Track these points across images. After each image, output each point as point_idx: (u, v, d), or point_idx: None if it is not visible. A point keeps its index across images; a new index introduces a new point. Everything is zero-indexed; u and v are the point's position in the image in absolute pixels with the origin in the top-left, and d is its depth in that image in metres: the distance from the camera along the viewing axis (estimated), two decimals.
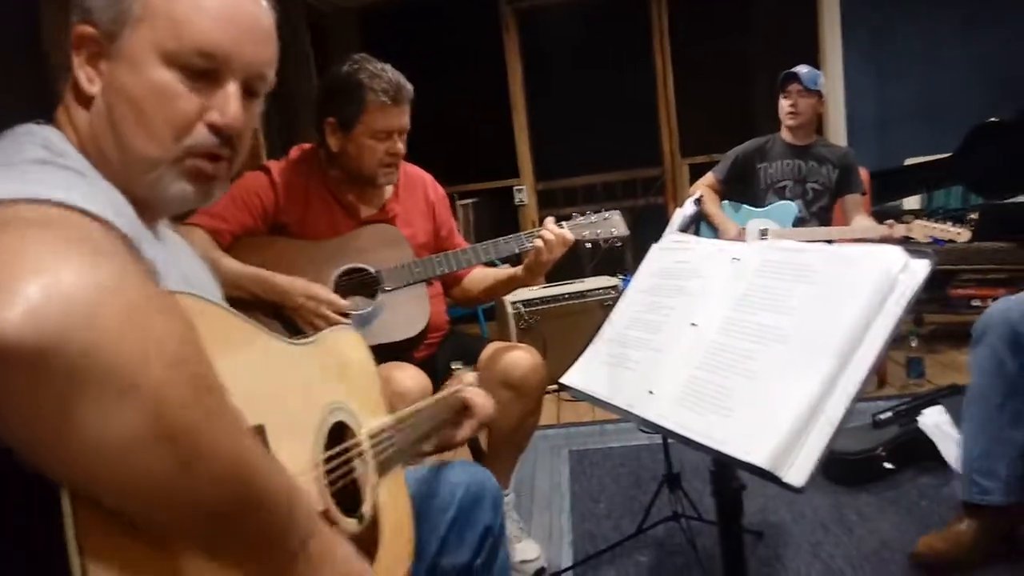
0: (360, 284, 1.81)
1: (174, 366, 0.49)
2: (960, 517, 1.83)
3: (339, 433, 0.86)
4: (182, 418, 0.49)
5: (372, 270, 1.81)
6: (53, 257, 0.47)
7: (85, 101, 0.80)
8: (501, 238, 1.85)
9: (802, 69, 3.15)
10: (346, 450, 0.86)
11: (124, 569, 0.49)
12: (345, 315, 1.74)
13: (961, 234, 2.77)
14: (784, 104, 3.19)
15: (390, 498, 0.94)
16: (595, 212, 1.90)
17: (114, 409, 0.45)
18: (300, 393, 0.79)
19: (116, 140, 0.79)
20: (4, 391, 0.44)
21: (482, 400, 1.29)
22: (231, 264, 1.69)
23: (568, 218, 1.89)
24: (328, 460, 0.79)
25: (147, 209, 0.86)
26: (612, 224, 1.89)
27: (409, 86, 1.81)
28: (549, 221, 1.85)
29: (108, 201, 0.68)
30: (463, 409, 1.27)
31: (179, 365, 0.49)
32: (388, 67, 1.80)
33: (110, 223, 0.58)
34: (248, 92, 0.84)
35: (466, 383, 1.31)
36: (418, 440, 1.09)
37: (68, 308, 0.44)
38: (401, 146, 1.84)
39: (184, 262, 0.92)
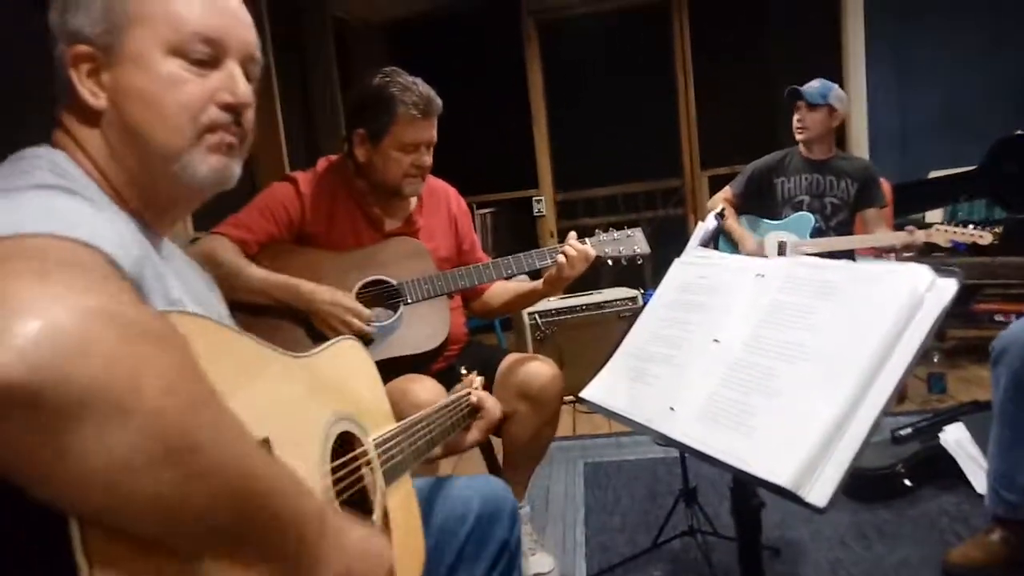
0: (382, 296, 1.82)
1: (169, 387, 0.49)
2: (991, 528, 1.85)
3: (345, 443, 0.87)
4: (180, 438, 0.49)
5: (394, 283, 1.82)
6: (41, 292, 0.47)
7: (91, 118, 0.82)
8: (523, 253, 1.86)
9: (811, 84, 3.13)
10: (353, 459, 0.86)
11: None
12: (367, 325, 1.75)
13: (984, 236, 2.72)
14: (793, 120, 3.18)
15: (399, 505, 0.94)
16: (618, 229, 1.91)
17: (112, 437, 0.46)
18: (304, 405, 0.80)
19: (135, 143, 0.81)
20: (1, 431, 0.44)
21: (490, 403, 1.30)
22: (257, 272, 1.71)
23: (590, 233, 1.90)
24: (335, 470, 0.80)
25: (168, 212, 0.89)
26: (635, 242, 1.90)
27: (438, 100, 1.82)
28: (571, 236, 1.86)
29: (109, 224, 0.68)
30: (472, 412, 1.28)
31: (174, 385, 0.49)
32: (419, 81, 1.82)
33: (98, 248, 0.58)
34: (245, 74, 0.88)
35: (473, 386, 1.32)
36: (426, 446, 1.09)
37: (59, 344, 0.44)
38: (427, 158, 1.85)
39: (189, 279, 0.93)
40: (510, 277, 1.92)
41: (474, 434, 1.29)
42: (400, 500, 0.96)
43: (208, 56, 0.83)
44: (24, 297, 0.46)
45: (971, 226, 2.78)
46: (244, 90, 0.86)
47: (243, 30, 0.87)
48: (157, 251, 0.85)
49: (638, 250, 1.90)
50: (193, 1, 0.83)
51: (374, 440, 0.93)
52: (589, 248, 1.84)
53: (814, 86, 3.13)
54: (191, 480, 0.50)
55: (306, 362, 0.84)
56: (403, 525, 0.94)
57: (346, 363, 0.96)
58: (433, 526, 1.10)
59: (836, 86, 3.15)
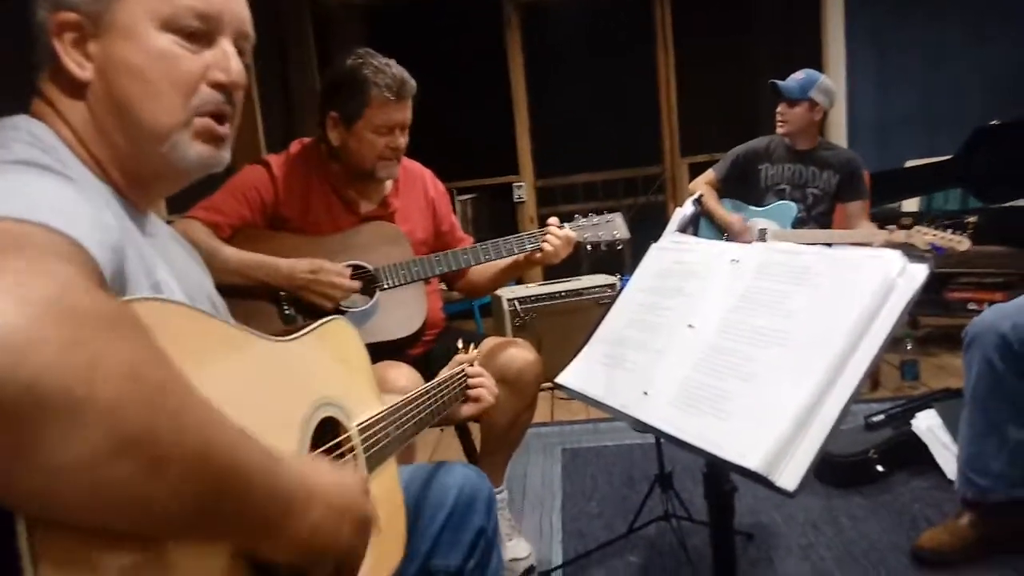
0: (359, 281, 1.80)
1: (127, 375, 0.47)
2: (960, 512, 1.88)
3: (328, 429, 0.86)
4: (140, 427, 0.47)
5: (371, 268, 1.81)
6: None
7: (76, 90, 0.79)
8: (501, 239, 1.85)
9: (794, 76, 3.13)
10: (335, 447, 0.85)
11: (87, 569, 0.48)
12: (344, 308, 1.74)
13: (961, 243, 2.76)
14: (776, 113, 3.20)
15: (382, 492, 0.93)
16: (597, 214, 1.90)
17: (69, 433, 0.44)
18: (284, 391, 0.78)
19: (123, 118, 0.79)
20: None
21: (487, 381, 1.31)
22: (231, 252, 1.70)
23: (570, 218, 1.89)
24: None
25: (153, 189, 0.86)
26: (614, 227, 1.90)
27: (412, 81, 1.81)
28: (553, 222, 1.86)
29: (88, 202, 0.66)
30: (466, 388, 1.28)
31: (131, 372, 0.47)
32: (392, 62, 1.80)
33: (56, 230, 0.55)
34: (237, 51, 0.86)
35: (465, 361, 1.31)
36: (414, 428, 1.09)
37: (5, 340, 0.42)
38: (402, 140, 1.83)
39: (175, 256, 0.91)
40: (488, 263, 1.91)
41: (469, 408, 1.31)
42: (383, 484, 0.95)
43: (200, 31, 0.81)
44: None
45: (950, 230, 2.81)
46: (237, 69, 0.84)
47: (237, 5, 0.85)
48: (140, 228, 0.82)
49: (617, 235, 1.90)
50: None
51: (358, 425, 0.91)
52: (571, 233, 1.84)
53: (796, 79, 3.13)
54: (156, 467, 0.48)
55: (288, 345, 0.82)
56: (386, 510, 0.93)
57: (333, 344, 0.95)
58: (409, 514, 1.09)
59: (822, 77, 3.15)
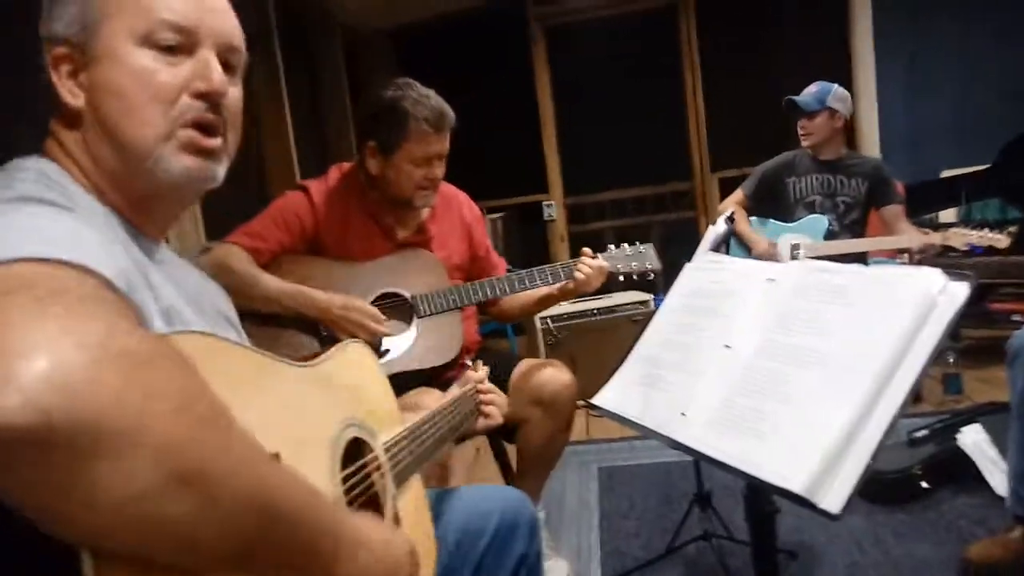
0: (395, 309, 1.82)
1: (176, 411, 0.49)
2: (1011, 527, 1.84)
3: (355, 449, 0.87)
4: (192, 461, 0.49)
5: (407, 296, 1.82)
6: (39, 329, 0.46)
7: (74, 120, 0.81)
8: (536, 268, 1.87)
9: (808, 90, 3.14)
10: (364, 466, 0.86)
11: None
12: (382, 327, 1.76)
13: (1000, 240, 2.70)
14: (798, 128, 3.20)
15: (410, 507, 0.94)
16: (630, 245, 1.92)
17: (123, 469, 0.46)
18: (312, 415, 0.80)
19: (110, 139, 0.80)
20: (12, 474, 0.44)
21: (498, 399, 1.31)
22: (272, 281, 1.72)
23: (601, 237, 1.91)
24: (346, 479, 0.80)
25: (154, 211, 0.86)
26: (646, 257, 1.93)
27: (451, 113, 1.82)
28: (587, 252, 1.88)
29: (97, 234, 0.67)
30: (479, 404, 1.29)
31: (181, 409, 0.49)
32: (432, 93, 1.81)
33: (87, 269, 0.57)
34: (225, 66, 0.85)
35: (476, 379, 1.32)
36: (434, 445, 1.10)
37: (64, 383, 0.44)
38: (439, 171, 1.85)
39: (187, 281, 0.91)
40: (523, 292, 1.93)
41: (481, 423, 1.31)
42: (410, 502, 0.96)
43: (178, 44, 0.81)
44: (23, 336, 0.45)
45: (987, 228, 2.76)
46: (219, 78, 0.83)
47: (217, 16, 0.85)
48: (148, 255, 0.83)
49: (649, 265, 1.92)
50: None
51: (383, 444, 0.93)
52: (603, 262, 1.86)
53: (811, 91, 3.14)
54: (208, 502, 0.49)
55: (313, 370, 0.85)
56: (414, 527, 0.94)
57: (353, 367, 0.97)
58: (450, 540, 1.09)
59: (835, 86, 3.14)
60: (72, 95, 0.81)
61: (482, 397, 1.32)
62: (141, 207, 0.84)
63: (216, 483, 0.50)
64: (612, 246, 1.92)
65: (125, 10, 0.80)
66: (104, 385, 0.46)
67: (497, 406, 1.33)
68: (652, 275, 1.93)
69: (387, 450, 0.93)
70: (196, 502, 0.49)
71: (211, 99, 0.83)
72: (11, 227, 0.60)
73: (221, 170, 0.87)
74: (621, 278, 1.92)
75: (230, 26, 0.87)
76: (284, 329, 1.74)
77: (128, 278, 0.67)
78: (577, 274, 1.83)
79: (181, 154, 0.82)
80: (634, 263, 1.91)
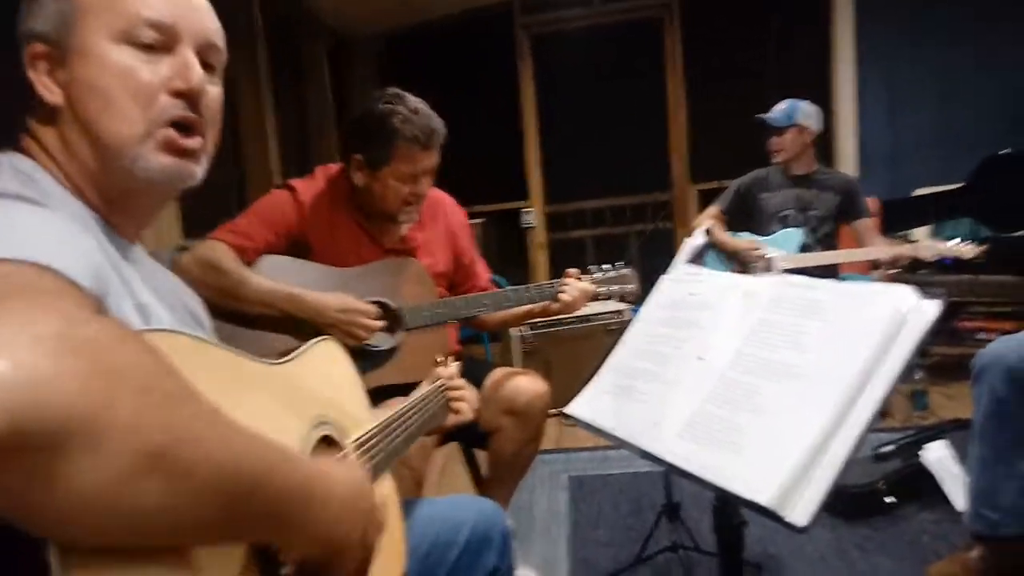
0: (381, 318, 1.79)
1: (142, 394, 0.48)
2: (970, 544, 1.85)
3: (326, 447, 0.87)
4: (162, 441, 0.48)
5: (395, 307, 1.80)
6: None
7: (50, 117, 0.81)
8: (523, 287, 1.89)
9: (777, 107, 3.22)
10: None
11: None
12: (367, 347, 1.74)
13: (967, 251, 2.75)
14: (768, 145, 3.27)
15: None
16: (612, 267, 1.96)
17: (95, 459, 0.45)
18: (281, 413, 0.80)
19: (88, 136, 0.80)
20: None
21: (468, 395, 1.31)
22: (261, 282, 1.67)
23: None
24: None
25: (131, 209, 0.86)
26: (627, 280, 1.96)
27: (441, 128, 1.79)
28: (572, 273, 1.90)
29: (68, 230, 0.67)
30: (448, 400, 1.29)
31: (146, 391, 0.49)
32: (422, 107, 1.77)
33: (48, 267, 0.56)
34: (205, 65, 0.85)
35: (445, 375, 1.31)
36: (404, 443, 1.09)
37: (25, 381, 0.43)
38: (426, 187, 1.82)
39: (161, 282, 0.90)
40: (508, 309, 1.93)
41: (454, 418, 1.31)
42: (382, 500, 0.95)
43: (157, 42, 0.81)
44: None
45: (956, 239, 2.81)
46: (198, 77, 0.82)
47: (196, 14, 0.85)
48: (123, 253, 0.82)
49: (629, 287, 1.96)
50: None
51: (353, 442, 0.93)
52: (591, 287, 1.90)
53: (780, 108, 3.22)
54: (181, 477, 0.49)
55: (283, 368, 0.84)
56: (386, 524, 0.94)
57: (323, 364, 0.97)
58: (421, 551, 1.08)
59: (803, 103, 3.22)
60: (49, 92, 0.80)
61: (452, 394, 1.31)
62: (117, 206, 0.84)
63: (187, 458, 0.50)
64: (594, 268, 1.96)
65: (104, 7, 0.79)
66: (66, 378, 0.45)
67: (467, 402, 1.32)
68: (631, 297, 1.97)
69: (357, 447, 0.93)
70: (170, 479, 0.48)
71: (190, 98, 0.82)
72: None
73: (200, 169, 0.86)
74: (602, 299, 1.97)
75: (210, 24, 0.87)
76: (269, 331, 1.71)
77: (100, 274, 0.66)
78: (563, 296, 1.85)
79: (159, 153, 0.81)
80: (615, 286, 1.95)
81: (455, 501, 1.20)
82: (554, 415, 1.85)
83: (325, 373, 0.96)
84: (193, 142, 0.84)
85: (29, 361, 0.44)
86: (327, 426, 0.88)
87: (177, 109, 0.82)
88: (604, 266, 1.96)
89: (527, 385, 1.87)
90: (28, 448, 0.43)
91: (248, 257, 1.72)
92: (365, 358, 1.73)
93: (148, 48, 0.80)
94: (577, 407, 1.20)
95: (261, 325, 1.69)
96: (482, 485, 2.03)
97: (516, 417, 1.85)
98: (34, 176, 0.76)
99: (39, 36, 0.80)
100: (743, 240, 3.21)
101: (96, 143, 0.80)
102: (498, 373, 1.93)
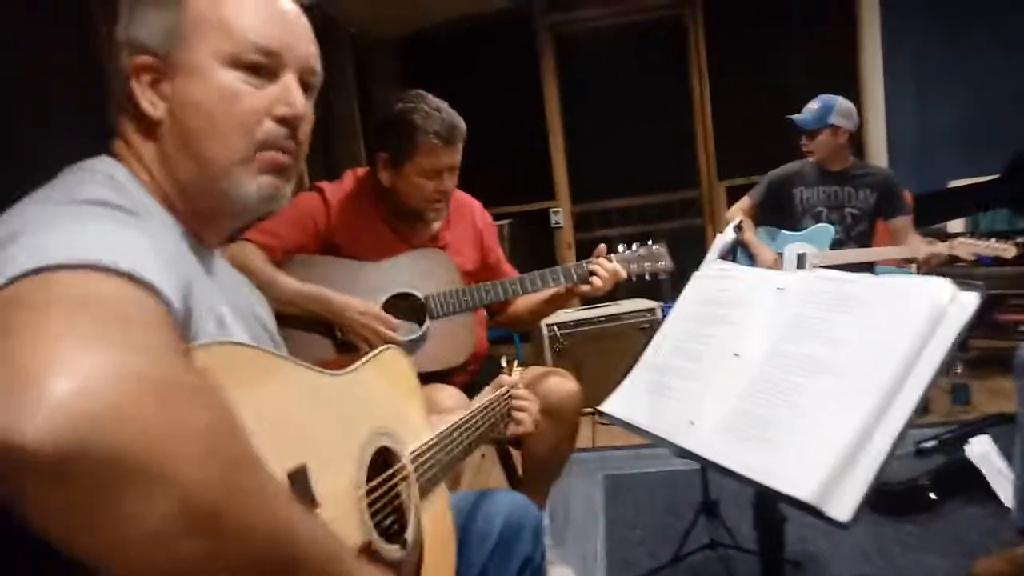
0: (408, 309, 1.82)
1: (204, 453, 0.48)
2: (1018, 541, 1.82)
3: (383, 458, 0.87)
4: (213, 505, 0.48)
5: (421, 296, 1.83)
6: (74, 346, 0.45)
7: (150, 129, 0.82)
8: (549, 269, 1.87)
9: (809, 107, 3.13)
10: (391, 476, 0.87)
11: None
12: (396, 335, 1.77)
13: (1007, 249, 2.69)
14: (801, 146, 3.19)
15: (434, 519, 0.95)
16: (642, 245, 1.92)
17: (143, 503, 0.45)
18: (341, 424, 0.80)
19: (189, 154, 0.81)
20: (31, 494, 0.43)
21: (531, 405, 1.31)
22: (288, 282, 1.73)
23: (610, 243, 1.91)
24: (372, 490, 0.81)
25: (217, 226, 0.88)
26: (659, 257, 1.92)
27: (463, 126, 1.83)
28: (600, 251, 1.87)
29: (161, 241, 0.68)
30: (510, 410, 1.28)
31: (209, 451, 0.48)
32: (443, 106, 1.82)
33: (142, 280, 0.55)
34: (303, 87, 0.86)
35: (510, 383, 1.31)
36: (462, 453, 1.10)
37: (90, 410, 0.43)
38: (450, 184, 1.86)
39: (234, 290, 0.92)
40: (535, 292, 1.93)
41: (514, 428, 1.31)
42: (435, 514, 0.97)
43: (265, 67, 0.82)
44: (55, 353, 0.44)
45: (994, 239, 2.75)
46: (301, 103, 0.84)
47: (302, 41, 0.86)
48: (204, 264, 0.84)
49: (662, 265, 1.91)
50: (251, 11, 0.81)
51: (411, 453, 0.93)
52: (619, 268, 1.85)
53: (812, 109, 3.13)
54: (225, 545, 0.49)
55: (345, 378, 0.85)
56: (437, 540, 0.95)
57: (385, 373, 0.97)
58: (458, 543, 1.10)
59: (839, 100, 3.11)
60: (152, 106, 0.81)
61: (515, 403, 1.31)
62: (204, 218, 0.85)
63: (235, 529, 0.49)
64: (623, 247, 1.92)
65: (215, 27, 0.80)
66: (131, 417, 0.45)
67: (529, 413, 1.32)
68: (665, 275, 1.92)
69: (414, 459, 0.93)
70: (211, 546, 0.48)
71: (292, 124, 0.84)
72: (75, 230, 0.59)
73: (289, 189, 0.88)
74: (634, 279, 1.91)
75: (312, 49, 0.88)
76: (298, 330, 1.75)
77: (188, 289, 0.66)
78: (594, 279, 1.83)
79: (259, 175, 0.83)
80: (647, 263, 1.91)
81: (487, 494, 1.20)
82: (587, 414, 1.85)
83: (386, 382, 0.96)
84: (287, 160, 0.85)
85: (96, 389, 0.44)
86: (386, 437, 0.88)
87: (279, 136, 0.83)
88: (634, 244, 1.93)
89: (559, 384, 1.88)
90: (73, 478, 0.43)
91: (275, 256, 1.77)
92: None
93: (254, 71, 0.81)
94: (611, 405, 1.20)
95: (291, 325, 1.72)
96: (517, 485, 2.04)
97: (549, 416, 1.85)
98: (126, 184, 0.77)
99: (145, 48, 0.80)
100: (767, 253, 3.16)
101: (197, 161, 0.81)
102: (530, 372, 1.93)
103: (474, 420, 1.16)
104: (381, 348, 0.97)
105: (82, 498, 0.43)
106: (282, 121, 0.83)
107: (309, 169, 3.85)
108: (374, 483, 0.82)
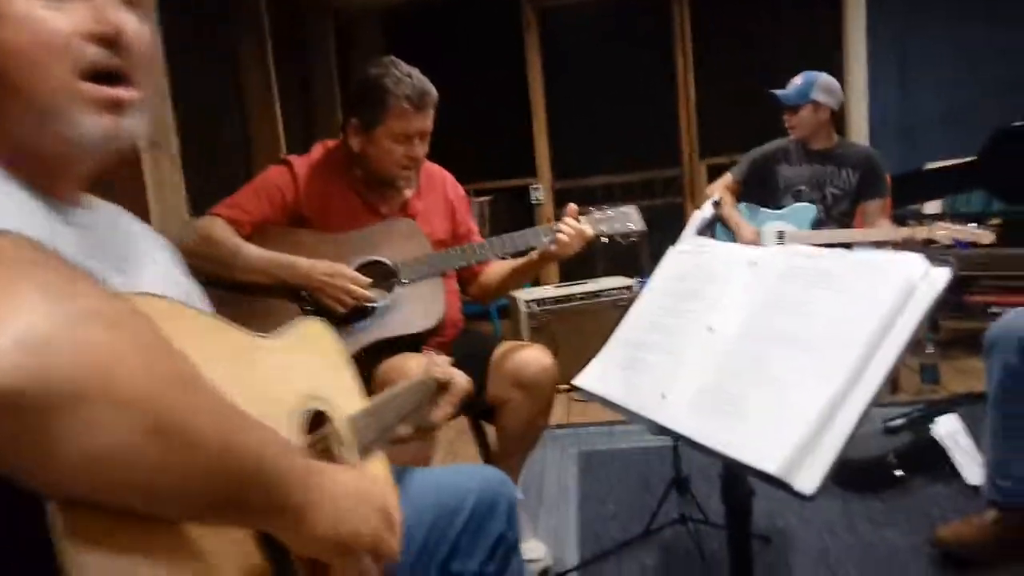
0: (377, 276, 1.83)
1: (144, 367, 0.50)
2: (986, 509, 1.86)
3: (317, 423, 0.87)
4: (158, 418, 0.50)
5: (389, 263, 1.83)
6: (7, 292, 0.46)
7: None
8: (517, 232, 1.88)
9: (793, 82, 3.14)
10: (324, 438, 0.86)
11: (119, 554, 0.51)
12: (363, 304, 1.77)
13: (984, 236, 2.72)
14: (783, 121, 3.20)
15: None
16: (612, 206, 1.91)
17: (94, 425, 0.47)
18: (270, 386, 0.79)
19: (12, 100, 0.74)
20: None
21: (458, 376, 1.28)
22: (253, 250, 1.74)
23: (586, 212, 1.90)
24: (307, 448, 0.80)
25: (66, 176, 0.81)
26: (629, 219, 1.92)
27: (433, 92, 1.83)
28: (572, 210, 1.87)
29: (11, 198, 0.66)
30: (439, 389, 1.26)
31: (147, 367, 0.50)
32: (415, 72, 1.82)
33: (24, 234, 0.54)
34: (127, 3, 0.79)
35: (438, 363, 1.30)
36: (396, 422, 1.09)
37: (32, 345, 0.45)
38: (421, 150, 1.86)
39: (123, 245, 0.87)
40: (505, 257, 1.93)
41: (444, 409, 1.26)
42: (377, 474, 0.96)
43: None
44: None
45: (972, 223, 2.78)
46: (114, 15, 0.76)
47: None
48: (65, 220, 0.78)
49: (632, 227, 1.92)
50: None
51: (345, 417, 0.92)
52: (586, 227, 1.85)
53: (795, 84, 3.13)
54: (175, 456, 0.51)
55: (275, 343, 0.85)
56: None
57: (312, 342, 0.97)
58: (427, 518, 1.09)
59: (821, 76, 3.12)
60: None
61: (440, 376, 1.27)
62: (51, 170, 0.79)
63: (183, 438, 0.51)
64: (593, 208, 1.92)
65: None
66: (69, 345, 0.46)
67: (456, 383, 1.28)
68: (635, 237, 1.92)
69: (351, 422, 0.93)
70: (163, 456, 0.50)
71: (109, 40, 0.75)
72: None
73: (139, 124, 0.80)
74: (605, 240, 1.91)
75: None
76: (264, 300, 1.75)
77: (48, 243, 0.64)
78: (560, 236, 1.82)
79: (91, 113, 0.75)
80: (617, 225, 1.91)
81: (460, 469, 1.20)
82: (563, 391, 1.85)
83: (315, 351, 0.96)
84: (123, 92, 0.77)
85: (42, 325, 0.46)
86: (318, 401, 0.87)
87: (96, 55, 0.75)
88: (604, 206, 1.92)
89: (535, 357, 1.88)
90: (30, 407, 0.44)
91: (244, 230, 1.78)
92: (366, 315, 1.79)
93: None
94: (586, 379, 1.20)
95: (260, 294, 1.74)
96: (491, 459, 2.04)
97: (524, 390, 1.86)
98: None
99: None
100: (747, 228, 3.16)
101: (20, 104, 0.74)
102: (505, 346, 1.94)
103: (407, 393, 1.15)
104: (306, 318, 0.96)
105: (34, 427, 0.45)
106: (100, 41, 0.75)
107: (288, 143, 3.81)
108: (310, 441, 0.81)
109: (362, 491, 0.70)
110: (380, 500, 0.73)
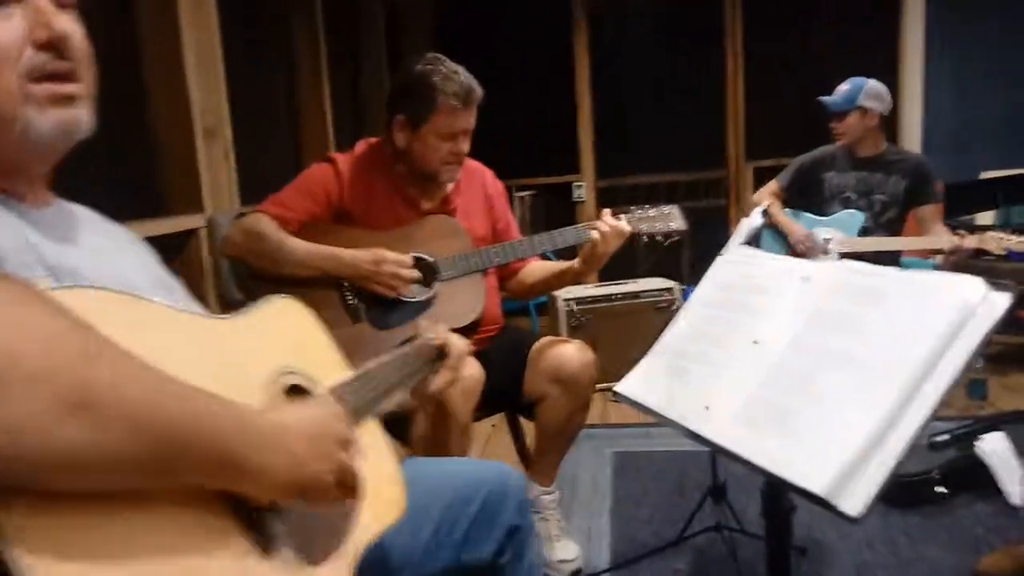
0: (418, 272, 1.84)
1: (47, 347, 0.51)
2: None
3: (297, 396, 0.87)
4: (73, 392, 0.51)
5: (430, 259, 1.85)
6: None
7: None
8: (557, 230, 1.89)
9: (839, 89, 3.08)
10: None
11: (65, 540, 0.52)
12: (404, 298, 1.79)
13: None
14: (831, 129, 3.15)
15: (366, 447, 0.92)
16: (653, 206, 1.91)
17: (6, 402, 0.48)
18: (238, 363, 0.79)
19: None
20: None
21: (454, 339, 1.28)
22: (298, 244, 1.77)
23: (626, 212, 1.90)
24: None
25: (29, 177, 0.83)
26: (670, 218, 1.91)
27: (479, 89, 1.84)
28: (606, 213, 1.87)
29: None
30: (439, 357, 1.26)
31: (53, 344, 0.51)
32: (461, 69, 1.83)
33: None
34: (57, 4, 0.79)
35: (436, 330, 1.29)
36: (388, 390, 1.08)
37: None
38: (465, 146, 1.88)
39: (90, 241, 0.89)
40: (544, 255, 1.93)
41: (444, 375, 1.25)
42: (367, 443, 0.93)
43: None
44: None
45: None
46: (58, 22, 0.77)
47: None
48: (25, 220, 0.79)
49: (673, 226, 1.92)
50: None
51: (329, 386, 0.92)
52: (623, 224, 1.85)
53: (841, 90, 3.08)
54: (98, 429, 0.52)
55: (235, 322, 0.85)
56: (375, 465, 0.93)
57: (284, 318, 0.96)
58: (439, 506, 1.11)
59: (869, 82, 3.06)
60: None
61: (437, 342, 1.26)
62: (17, 174, 0.81)
63: (104, 411, 0.52)
64: (634, 207, 1.91)
65: None
66: None
67: (452, 345, 1.27)
68: (677, 236, 1.91)
69: (332, 392, 0.91)
70: (85, 432, 0.51)
71: (56, 46, 0.77)
72: None
73: (87, 115, 0.82)
74: (645, 238, 1.91)
75: None
76: (311, 292, 1.77)
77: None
78: (593, 233, 1.83)
79: (44, 110, 0.77)
80: (658, 224, 1.91)
81: (477, 463, 1.22)
82: (600, 390, 1.85)
83: (288, 327, 0.96)
84: (72, 87, 0.79)
85: None
86: (294, 375, 0.87)
87: (44, 62, 0.77)
88: (645, 205, 1.92)
89: (574, 354, 1.88)
90: None
91: (291, 227, 1.81)
92: (404, 309, 1.81)
93: None
94: (627, 386, 1.20)
95: (306, 287, 1.76)
96: (527, 455, 2.05)
97: (563, 385, 1.86)
98: None
99: None
100: (799, 230, 3.12)
101: None
102: (544, 341, 1.95)
103: (399, 360, 1.15)
104: (272, 296, 0.94)
105: None
106: (45, 47, 0.77)
107: (337, 138, 3.85)
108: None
109: (318, 426, 0.72)
110: (339, 430, 0.75)
